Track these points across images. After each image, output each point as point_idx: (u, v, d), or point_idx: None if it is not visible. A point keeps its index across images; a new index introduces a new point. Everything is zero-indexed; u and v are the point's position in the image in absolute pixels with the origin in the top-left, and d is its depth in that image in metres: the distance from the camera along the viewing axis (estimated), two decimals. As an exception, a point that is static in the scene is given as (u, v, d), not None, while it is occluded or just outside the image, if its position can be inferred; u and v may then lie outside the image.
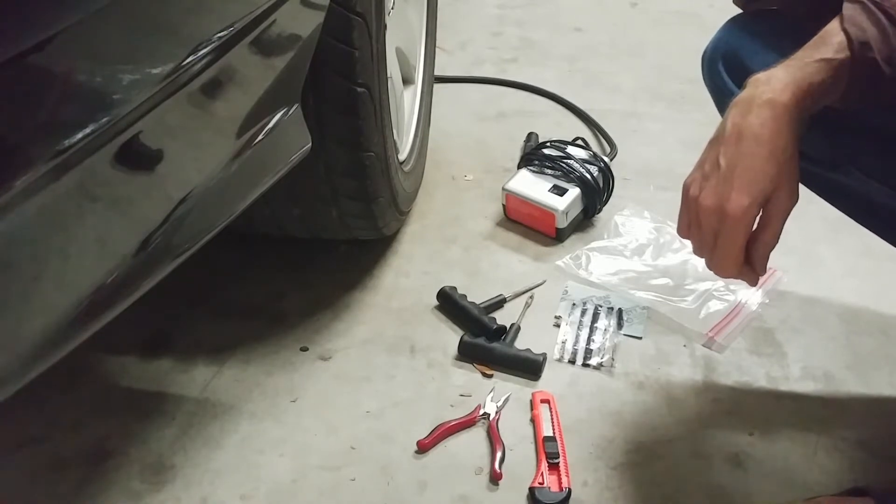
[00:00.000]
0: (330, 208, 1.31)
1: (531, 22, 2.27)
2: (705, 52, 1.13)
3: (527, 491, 1.13)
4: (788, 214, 0.85)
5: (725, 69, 1.09)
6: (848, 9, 0.83)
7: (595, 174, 1.53)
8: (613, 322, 1.36)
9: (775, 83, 0.82)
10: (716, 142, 0.86)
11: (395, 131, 1.38)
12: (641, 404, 1.25)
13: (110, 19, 0.73)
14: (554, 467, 1.14)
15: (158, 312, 1.39)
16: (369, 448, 1.19)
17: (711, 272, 0.91)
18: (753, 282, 0.91)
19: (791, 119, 0.82)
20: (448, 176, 1.71)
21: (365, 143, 1.22)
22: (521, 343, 1.33)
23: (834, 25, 0.83)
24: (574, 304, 1.39)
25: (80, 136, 0.72)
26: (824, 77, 0.82)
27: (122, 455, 1.19)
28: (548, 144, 1.60)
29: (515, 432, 1.20)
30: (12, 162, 0.68)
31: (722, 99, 1.11)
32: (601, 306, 1.38)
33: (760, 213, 0.85)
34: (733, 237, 0.85)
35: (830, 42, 0.82)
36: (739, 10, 1.11)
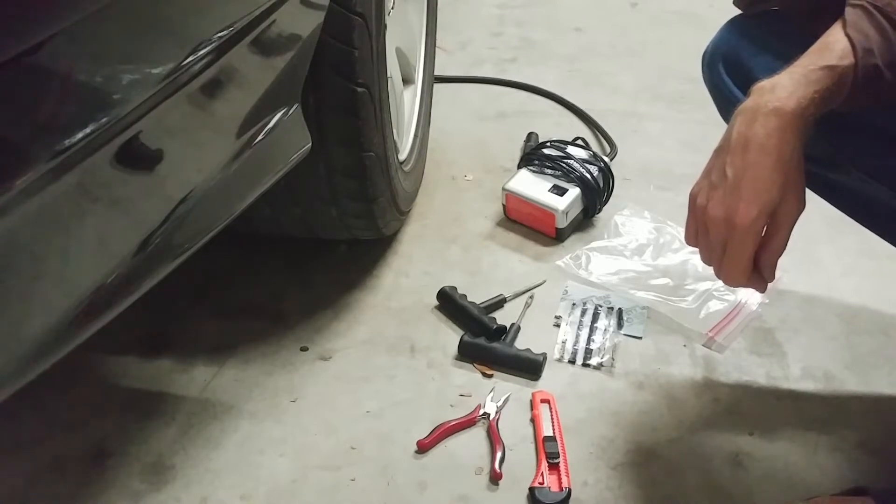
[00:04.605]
0: (330, 208, 1.31)
1: (531, 22, 2.27)
2: (705, 53, 1.13)
3: (527, 491, 1.13)
4: (796, 221, 0.85)
5: (726, 70, 1.09)
6: (850, 14, 0.83)
7: (595, 174, 1.53)
8: (613, 322, 1.36)
9: (780, 91, 0.82)
10: (722, 151, 0.86)
11: (395, 131, 1.38)
12: (641, 404, 1.25)
13: (110, 19, 0.73)
14: (554, 467, 1.14)
15: (158, 312, 1.39)
16: (369, 448, 1.19)
17: (716, 277, 0.91)
18: (762, 289, 0.91)
19: (797, 127, 0.82)
20: (448, 176, 1.71)
21: (365, 143, 1.22)
22: (521, 343, 1.33)
23: (837, 30, 0.83)
24: (574, 304, 1.39)
25: (80, 136, 0.72)
26: (829, 84, 0.82)
27: (122, 455, 1.19)
28: (548, 144, 1.60)
29: (515, 432, 1.20)
30: (12, 162, 0.68)
31: (722, 99, 1.11)
32: (601, 306, 1.38)
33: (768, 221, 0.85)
34: (742, 247, 0.85)
35: (834, 48, 0.82)
36: (739, 12, 1.11)
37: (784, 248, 0.87)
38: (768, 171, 0.82)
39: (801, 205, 0.85)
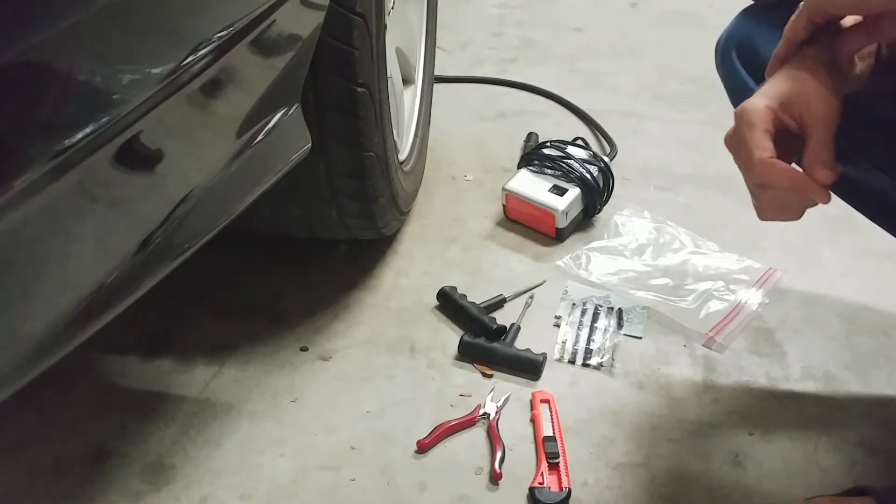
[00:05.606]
0: (330, 208, 1.31)
1: (531, 22, 2.27)
2: (719, 41, 1.13)
3: (527, 491, 1.13)
4: (829, 121, 0.82)
5: (739, 58, 1.09)
6: None
7: (595, 174, 1.53)
8: (613, 322, 1.36)
9: None
10: None
11: (395, 131, 1.38)
12: (641, 404, 1.25)
13: (110, 19, 0.73)
14: (554, 467, 1.14)
15: (158, 312, 1.39)
16: (369, 448, 1.19)
17: (761, 203, 0.88)
18: (816, 190, 0.85)
19: (802, 24, 0.83)
20: (448, 176, 1.71)
21: (365, 143, 1.22)
22: (521, 343, 1.33)
23: None
24: (574, 304, 1.39)
25: (80, 136, 0.72)
26: None
27: (122, 455, 1.19)
28: (548, 144, 1.60)
29: (515, 432, 1.20)
30: (12, 162, 0.68)
31: (734, 87, 1.11)
32: (601, 306, 1.38)
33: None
34: (752, 120, 0.82)
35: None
36: (744, 6, 1.11)
37: (827, 148, 0.83)
38: (775, 64, 0.83)
39: (826, 102, 0.82)
